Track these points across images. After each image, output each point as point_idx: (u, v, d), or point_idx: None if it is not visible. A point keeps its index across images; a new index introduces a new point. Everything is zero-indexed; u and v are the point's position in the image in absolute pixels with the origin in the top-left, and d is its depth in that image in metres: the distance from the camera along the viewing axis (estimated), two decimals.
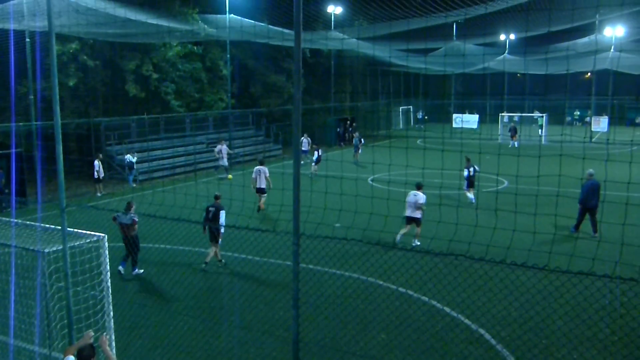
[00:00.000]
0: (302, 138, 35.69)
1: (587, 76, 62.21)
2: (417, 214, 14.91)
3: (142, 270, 14.40)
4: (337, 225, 15.38)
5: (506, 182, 26.35)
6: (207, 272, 14.18)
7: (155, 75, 33.73)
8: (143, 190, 26.31)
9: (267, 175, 20.57)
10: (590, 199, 17.13)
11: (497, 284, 11.17)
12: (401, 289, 12.44)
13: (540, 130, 48.29)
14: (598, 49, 43.99)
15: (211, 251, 14.44)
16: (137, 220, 13.87)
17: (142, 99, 33.72)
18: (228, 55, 35.22)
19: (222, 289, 13.07)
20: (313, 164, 30.31)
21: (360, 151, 35.20)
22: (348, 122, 48.29)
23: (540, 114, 50.36)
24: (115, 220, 13.93)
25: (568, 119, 60.38)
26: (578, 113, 61.83)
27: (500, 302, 11.05)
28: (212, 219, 14.14)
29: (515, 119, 46.28)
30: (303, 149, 35.38)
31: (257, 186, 20.74)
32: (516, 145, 41.42)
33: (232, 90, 37.82)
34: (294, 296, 6.83)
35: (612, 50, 46.44)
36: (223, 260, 14.72)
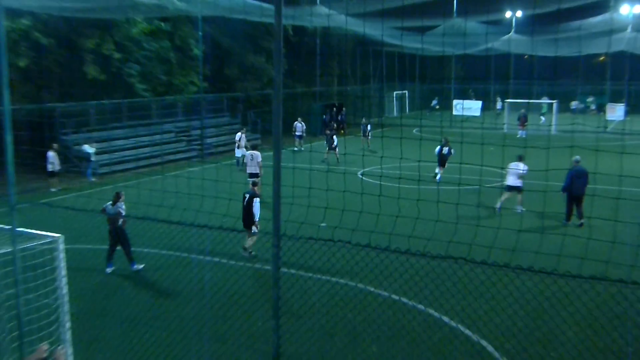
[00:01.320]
0: (296, 123, 36.38)
1: (601, 59, 62.72)
2: (519, 182, 18.79)
3: (142, 265, 14.84)
4: (323, 225, 15.39)
5: None
6: (254, 257, 14.47)
7: (117, 55, 33.50)
8: (103, 185, 26.16)
9: (260, 161, 21.39)
10: (577, 187, 18.19)
11: (500, 290, 11.26)
12: (394, 296, 12.49)
13: (542, 119, 48.66)
14: (613, 28, 44.32)
15: (249, 238, 15.55)
16: (123, 212, 14.44)
17: (102, 82, 33.47)
18: (200, 33, 35.01)
19: (193, 296, 13.06)
20: (328, 149, 31.25)
21: (370, 137, 35.70)
22: (335, 108, 48.30)
23: (550, 100, 50.72)
24: (104, 212, 14.67)
25: (581, 106, 60.88)
26: (591, 100, 62.36)
27: (504, 311, 11.15)
28: (246, 206, 15.43)
29: (523, 110, 46.55)
30: (297, 133, 36.06)
31: (248, 171, 21.64)
32: (524, 136, 41.74)
33: (205, 72, 37.64)
34: (273, 305, 6.84)
35: (629, 30, 46.83)
36: (253, 252, 15.56)
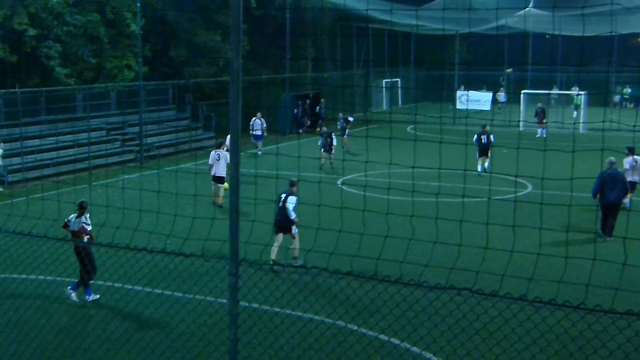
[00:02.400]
0: (255, 119, 36.07)
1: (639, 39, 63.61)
2: (637, 178, 22.21)
3: (97, 296, 15.08)
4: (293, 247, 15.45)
5: (530, 187, 26.83)
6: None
7: (32, 32, 33.28)
8: (13, 197, 25.89)
9: (229, 161, 21.22)
10: (609, 193, 18.86)
11: (515, 328, 11.33)
12: (382, 337, 12.51)
13: (575, 113, 49.23)
14: None
15: (295, 243, 17.19)
16: (87, 227, 14.87)
17: (12, 64, 33.22)
18: (138, 4, 34.93)
19: (128, 338, 12.97)
20: (322, 150, 31.15)
21: (346, 137, 35.98)
22: (309, 100, 48.39)
23: (579, 92, 51.31)
24: (66, 228, 15.00)
25: (616, 98, 61.61)
26: (629, 90, 63.16)
27: (519, 355, 11.22)
28: (282, 207, 17.48)
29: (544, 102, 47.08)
30: (256, 132, 35.77)
31: (214, 174, 21.74)
32: (544, 135, 42.21)
33: (144, 53, 37.53)
34: (230, 348, 6.83)
35: None
36: (298, 258, 16.53)
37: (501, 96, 59.16)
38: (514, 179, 24.31)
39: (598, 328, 10.36)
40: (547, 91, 54.70)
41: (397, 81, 66.95)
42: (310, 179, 26.97)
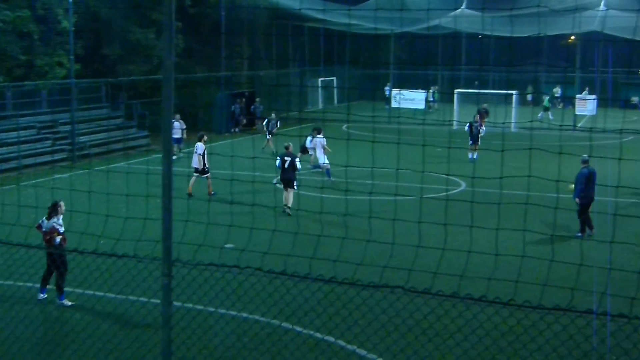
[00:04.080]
0: (174, 120, 35.12)
1: (570, 40, 64.92)
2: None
3: (70, 303, 14.78)
4: (228, 246, 15.35)
5: (463, 185, 27.23)
6: None
7: None
8: None
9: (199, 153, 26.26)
10: (590, 190, 19.59)
11: (447, 325, 11.51)
12: (317, 335, 12.57)
13: (540, 115, 50.85)
14: (578, 6, 46.00)
15: (288, 195, 23.21)
16: (59, 229, 14.74)
17: None
18: (70, 1, 34.36)
19: (59, 342, 12.77)
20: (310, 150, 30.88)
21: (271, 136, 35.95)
22: (244, 98, 48.26)
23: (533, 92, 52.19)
24: (39, 229, 14.86)
25: (546, 97, 62.79)
26: (559, 90, 64.42)
27: (451, 351, 11.39)
28: (288, 168, 23.33)
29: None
30: (175, 136, 34.61)
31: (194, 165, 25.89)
32: (483, 133, 43.11)
33: (77, 50, 36.92)
34: (163, 350, 6.79)
35: (601, 5, 48.70)
36: (289, 211, 22.75)
37: (432, 97, 59.80)
38: (446, 177, 24.60)
39: (527, 323, 10.62)
40: (480, 90, 55.53)
41: (333, 80, 67.13)
42: (245, 177, 26.91)
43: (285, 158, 23.57)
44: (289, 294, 10.72)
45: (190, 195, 24.40)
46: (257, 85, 53.24)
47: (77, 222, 13.79)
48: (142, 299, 13.99)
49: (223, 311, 13.52)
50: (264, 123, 38.15)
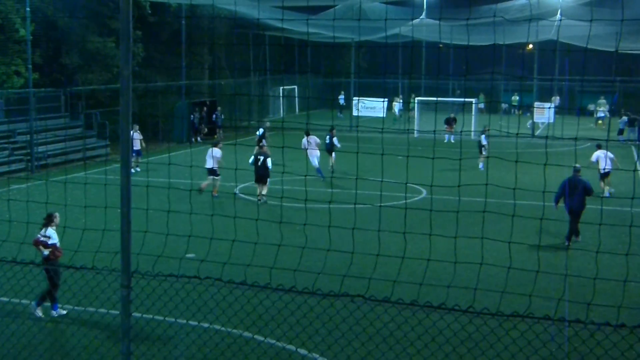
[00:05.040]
0: (132, 131, 34.26)
1: (528, 48, 65.75)
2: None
3: (65, 312, 14.57)
4: (189, 256, 15.29)
5: (424, 192, 27.39)
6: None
7: None
8: None
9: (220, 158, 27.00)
10: (570, 199, 19.77)
11: (407, 333, 11.56)
12: (278, 345, 12.55)
13: (530, 122, 51.77)
14: (534, 15, 46.60)
15: (261, 189, 25.55)
16: (45, 241, 14.44)
17: None
18: (28, 9, 34.00)
19: (16, 355, 12.60)
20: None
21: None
22: (206, 107, 48.12)
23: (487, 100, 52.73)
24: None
25: (504, 106, 63.61)
26: (517, 98, 65.23)
27: (412, 358, 11.44)
28: (261, 166, 25.68)
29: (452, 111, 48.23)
30: (135, 148, 33.63)
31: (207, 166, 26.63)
32: (452, 140, 45.50)
33: (35, 59, 36.54)
34: None
35: (558, 15, 49.40)
36: (265, 199, 25.12)
37: (397, 106, 60.34)
38: (405, 185, 24.75)
39: (485, 330, 10.71)
40: (440, 98, 56.11)
41: (294, 89, 67.22)
42: (206, 187, 26.85)
43: (259, 157, 25.99)
44: (249, 303, 10.73)
45: (201, 191, 26.29)
46: (218, 94, 53.10)
47: (33, 234, 13.61)
48: (101, 310, 13.88)
49: (183, 322, 13.44)
50: (259, 133, 37.53)
